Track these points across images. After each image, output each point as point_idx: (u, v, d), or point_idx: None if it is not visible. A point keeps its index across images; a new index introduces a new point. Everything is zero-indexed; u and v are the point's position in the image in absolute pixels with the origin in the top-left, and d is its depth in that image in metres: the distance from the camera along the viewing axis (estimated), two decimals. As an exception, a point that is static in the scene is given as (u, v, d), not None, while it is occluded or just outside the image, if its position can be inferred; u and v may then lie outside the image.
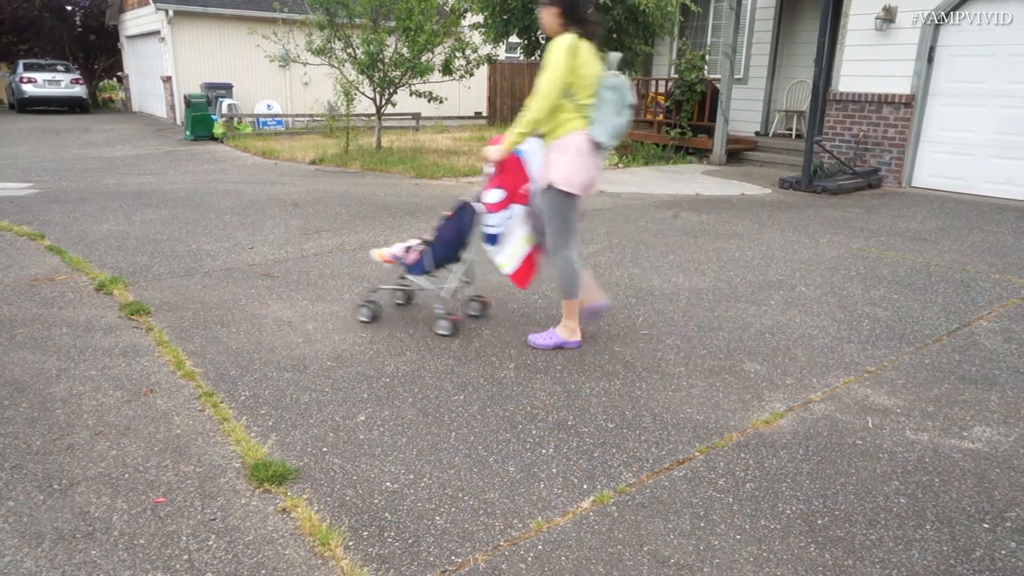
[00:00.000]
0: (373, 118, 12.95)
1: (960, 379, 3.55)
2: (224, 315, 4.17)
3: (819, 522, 2.38)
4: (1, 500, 2.39)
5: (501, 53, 14.78)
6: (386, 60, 11.60)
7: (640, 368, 3.57)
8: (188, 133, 14.67)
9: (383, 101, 12.29)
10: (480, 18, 11.39)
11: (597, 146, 3.46)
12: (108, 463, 2.62)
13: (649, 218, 7.29)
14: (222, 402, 3.11)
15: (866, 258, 5.84)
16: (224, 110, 15.98)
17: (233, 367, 3.47)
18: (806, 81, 11.56)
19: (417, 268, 3.96)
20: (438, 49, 11.82)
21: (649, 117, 12.96)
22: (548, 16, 3.45)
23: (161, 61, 18.86)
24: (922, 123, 9.41)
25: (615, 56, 3.57)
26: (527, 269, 3.87)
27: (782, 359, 3.74)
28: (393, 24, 11.61)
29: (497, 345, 3.82)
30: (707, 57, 12.15)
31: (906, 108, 9.37)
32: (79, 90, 21.24)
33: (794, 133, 12.11)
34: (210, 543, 2.20)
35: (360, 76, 11.80)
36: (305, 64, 12.13)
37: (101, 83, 27.46)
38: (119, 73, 25.11)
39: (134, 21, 21.04)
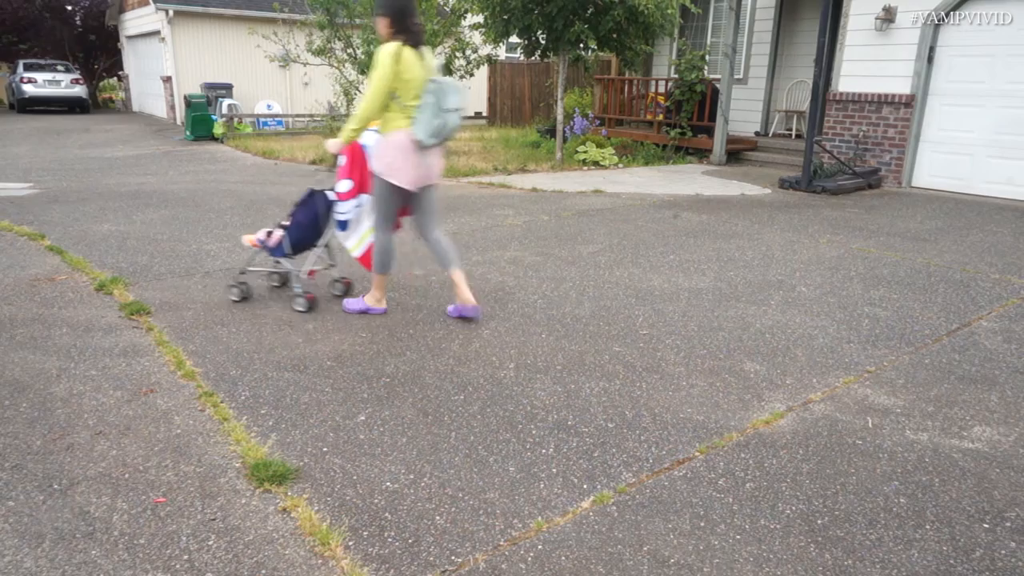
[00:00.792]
0: (373, 118, 12.94)
1: (960, 379, 3.55)
2: (224, 315, 4.18)
3: (819, 522, 2.38)
4: (1, 500, 2.39)
5: (501, 53, 14.79)
6: (386, 60, 11.58)
7: (640, 368, 3.57)
8: (188, 133, 14.67)
9: (383, 101, 12.27)
10: (480, 18, 11.39)
11: (419, 144, 3.78)
12: (108, 463, 2.62)
13: (649, 218, 7.30)
14: (222, 402, 3.11)
15: (866, 258, 5.85)
16: (224, 110, 15.98)
17: (233, 367, 3.47)
18: (806, 81, 11.56)
19: (278, 251, 4.30)
20: (438, 49, 11.83)
21: (649, 117, 12.96)
22: (380, 25, 3.78)
23: (161, 61, 18.87)
24: (922, 123, 9.41)
25: (436, 62, 3.97)
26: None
27: (782, 359, 3.74)
28: (393, 24, 11.59)
29: (497, 345, 3.82)
30: (707, 57, 12.15)
31: (906, 108, 9.37)
32: (79, 90, 21.23)
33: (794, 133, 12.11)
34: (210, 543, 2.20)
35: (360, 76, 11.80)
36: (305, 64, 12.14)
37: (101, 83, 27.47)
38: (119, 73, 25.11)
39: (134, 21, 21.04)
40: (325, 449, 2.75)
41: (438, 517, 2.35)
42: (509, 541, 2.25)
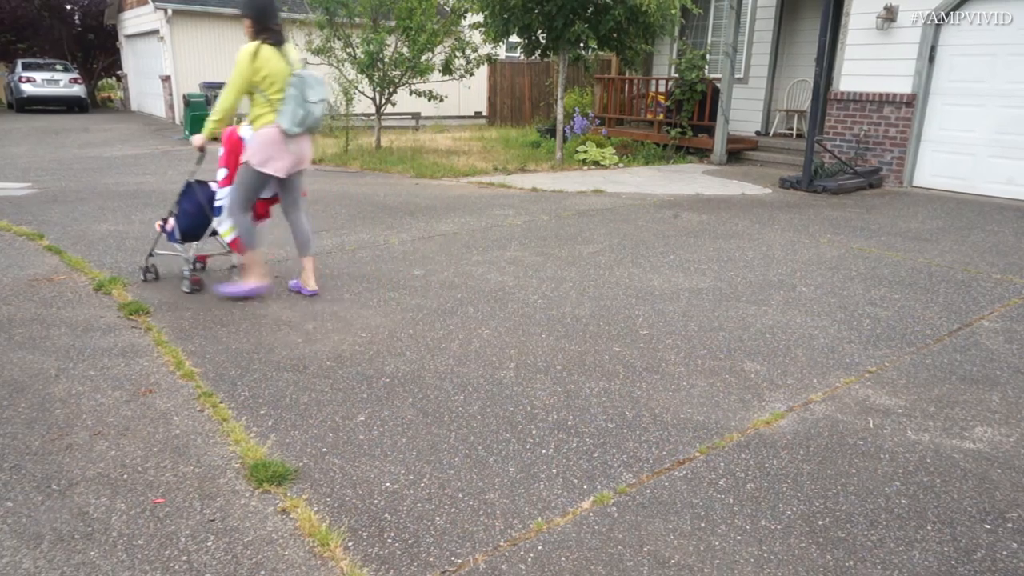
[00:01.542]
0: (373, 118, 12.93)
1: (961, 379, 3.55)
2: (224, 315, 4.17)
3: (820, 523, 2.38)
4: (0, 500, 2.39)
5: (501, 53, 14.77)
6: (386, 60, 11.59)
7: (640, 368, 3.57)
8: (187, 132, 14.65)
9: (383, 101, 12.27)
10: (480, 17, 11.38)
11: (285, 133, 4.11)
12: (107, 463, 2.62)
13: (649, 218, 7.29)
14: (221, 402, 3.10)
15: (867, 258, 5.84)
16: (224, 110, 15.94)
17: (233, 367, 3.46)
18: (807, 80, 11.55)
19: (172, 237, 4.63)
20: (438, 49, 11.81)
21: (649, 116, 12.94)
22: (245, 26, 4.19)
23: (160, 60, 18.86)
24: (923, 123, 9.41)
25: (298, 57, 4.31)
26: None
27: (782, 359, 3.73)
28: (393, 23, 11.59)
29: (497, 345, 3.81)
30: (707, 56, 12.14)
31: (907, 108, 9.37)
32: (78, 89, 21.23)
33: (795, 133, 12.10)
34: (209, 544, 2.19)
35: (360, 76, 11.78)
36: (305, 64, 12.11)
37: (100, 82, 27.46)
38: (118, 72, 25.10)
39: (133, 20, 21.03)
40: (324, 449, 2.74)
41: (438, 518, 2.34)
42: (509, 542, 2.24)
